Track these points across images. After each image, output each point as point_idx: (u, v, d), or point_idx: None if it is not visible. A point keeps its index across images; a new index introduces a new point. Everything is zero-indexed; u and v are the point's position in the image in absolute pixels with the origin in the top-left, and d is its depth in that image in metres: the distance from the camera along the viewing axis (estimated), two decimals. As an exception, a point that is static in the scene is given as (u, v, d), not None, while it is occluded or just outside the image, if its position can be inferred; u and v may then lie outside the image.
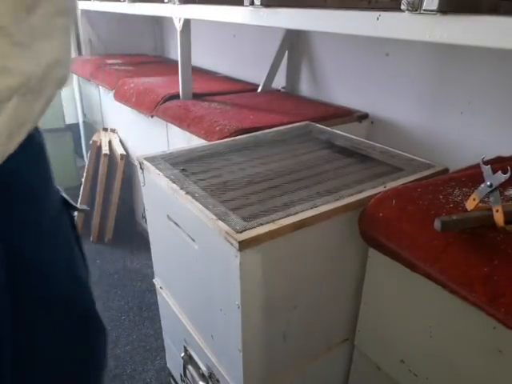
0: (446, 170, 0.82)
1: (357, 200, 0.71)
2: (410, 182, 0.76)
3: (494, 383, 0.56)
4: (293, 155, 0.94)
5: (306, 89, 1.63)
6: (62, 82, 0.42)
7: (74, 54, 2.43)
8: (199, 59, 2.06)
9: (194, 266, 0.79)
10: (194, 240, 0.75)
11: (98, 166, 1.93)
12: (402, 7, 0.74)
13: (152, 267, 1.05)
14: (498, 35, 0.64)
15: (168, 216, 0.82)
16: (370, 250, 0.71)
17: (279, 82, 1.68)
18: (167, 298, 1.00)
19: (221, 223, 0.63)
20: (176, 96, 1.50)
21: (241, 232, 0.60)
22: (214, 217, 0.65)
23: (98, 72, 2.02)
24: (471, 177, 0.71)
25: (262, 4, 1.06)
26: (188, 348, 0.96)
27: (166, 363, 1.25)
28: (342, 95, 1.46)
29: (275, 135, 1.05)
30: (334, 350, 0.85)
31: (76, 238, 0.55)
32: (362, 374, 0.82)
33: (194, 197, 0.71)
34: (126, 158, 1.89)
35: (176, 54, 1.52)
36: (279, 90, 1.70)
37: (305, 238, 0.67)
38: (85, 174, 1.99)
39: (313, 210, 0.67)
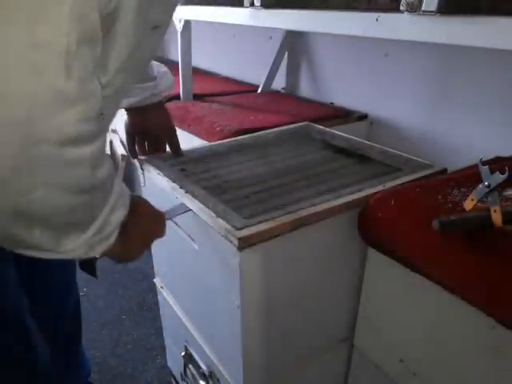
0: (444, 171, 0.82)
1: (356, 199, 0.71)
2: (409, 182, 0.77)
3: (493, 383, 0.56)
4: (293, 155, 0.94)
5: (305, 89, 1.63)
6: None
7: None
8: (199, 60, 2.07)
9: (194, 265, 0.80)
10: (193, 240, 0.75)
11: (99, 167, 1.93)
12: (402, 8, 0.74)
13: (153, 267, 1.06)
14: (498, 35, 0.65)
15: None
16: (369, 250, 0.71)
17: (279, 82, 1.68)
18: (168, 298, 1.00)
19: (220, 221, 0.63)
20: (176, 97, 1.51)
21: (240, 229, 0.61)
22: (214, 215, 0.65)
23: (98, 73, 2.02)
24: (470, 177, 0.71)
25: (261, 5, 1.06)
26: (188, 347, 0.96)
27: (166, 362, 1.25)
28: (342, 96, 1.46)
29: (275, 135, 1.06)
30: (333, 350, 0.86)
31: None
32: (362, 373, 0.82)
33: (193, 195, 0.71)
34: (127, 158, 1.89)
35: (176, 54, 1.53)
36: (279, 91, 1.70)
37: (304, 237, 0.67)
38: (86, 175, 1.99)
39: (312, 208, 0.67)
